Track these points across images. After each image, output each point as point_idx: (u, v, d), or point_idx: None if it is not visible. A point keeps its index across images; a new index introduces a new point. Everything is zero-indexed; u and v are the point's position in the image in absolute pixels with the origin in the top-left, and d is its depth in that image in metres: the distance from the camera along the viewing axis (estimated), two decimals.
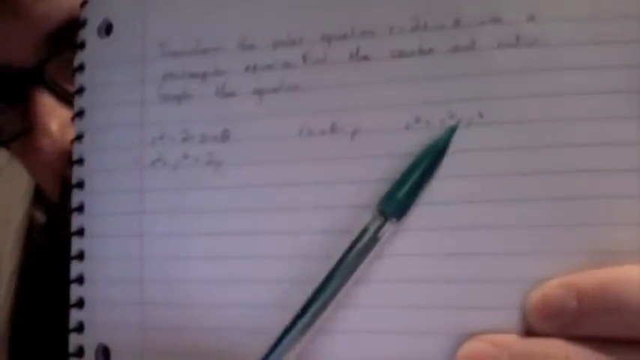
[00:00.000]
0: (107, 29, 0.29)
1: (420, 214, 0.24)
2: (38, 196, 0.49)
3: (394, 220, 0.24)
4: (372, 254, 0.24)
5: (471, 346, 0.23)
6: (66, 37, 0.35)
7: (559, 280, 0.23)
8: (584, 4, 0.23)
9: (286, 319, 0.25)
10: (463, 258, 0.24)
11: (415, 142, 0.25)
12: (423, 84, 0.25)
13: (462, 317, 0.24)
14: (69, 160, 0.32)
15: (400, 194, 0.24)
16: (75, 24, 0.32)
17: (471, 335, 0.23)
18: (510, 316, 0.23)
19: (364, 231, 0.24)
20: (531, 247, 0.23)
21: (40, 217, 0.50)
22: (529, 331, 0.23)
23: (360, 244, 0.24)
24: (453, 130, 0.24)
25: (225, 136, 0.27)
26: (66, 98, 0.36)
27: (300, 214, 0.26)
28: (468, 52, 0.24)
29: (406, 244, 0.24)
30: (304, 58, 0.26)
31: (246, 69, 0.27)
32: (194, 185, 0.27)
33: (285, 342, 0.24)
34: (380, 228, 0.24)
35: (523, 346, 0.23)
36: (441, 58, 0.25)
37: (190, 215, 0.27)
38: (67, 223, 0.31)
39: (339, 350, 0.25)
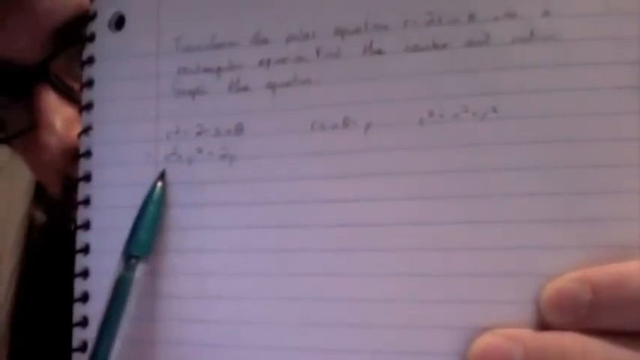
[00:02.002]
0: (118, 22, 0.29)
1: (429, 208, 0.24)
2: (39, 195, 0.49)
3: (143, 259, 0.27)
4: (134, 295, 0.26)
5: (484, 341, 0.23)
6: (71, 34, 0.35)
7: (573, 274, 0.23)
8: (599, 0, 0.24)
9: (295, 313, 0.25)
10: (476, 252, 0.24)
11: (429, 135, 0.25)
12: (437, 78, 0.25)
13: (476, 312, 0.24)
14: (73, 158, 0.32)
15: (143, 236, 0.27)
16: (81, 20, 0.32)
17: (484, 330, 0.23)
18: (524, 311, 0.23)
19: (122, 279, 0.26)
20: (544, 242, 0.23)
21: (40, 216, 0.49)
22: (542, 326, 0.23)
23: (122, 291, 0.26)
24: (164, 175, 0.27)
25: (238, 130, 0.27)
26: (70, 95, 0.36)
27: (312, 208, 0.25)
28: (483, 47, 0.24)
29: (419, 237, 0.24)
30: (317, 52, 0.26)
31: (260, 63, 0.27)
32: (209, 179, 0.27)
33: None
34: (134, 270, 0.26)
35: (538, 340, 0.23)
36: (456, 53, 0.25)
37: (204, 209, 0.27)
38: (69, 220, 0.30)
39: (349, 345, 0.25)
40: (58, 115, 0.35)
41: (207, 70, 0.27)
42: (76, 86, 0.36)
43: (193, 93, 0.27)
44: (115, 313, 0.26)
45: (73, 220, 0.30)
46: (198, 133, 0.27)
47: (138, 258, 0.27)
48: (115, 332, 0.26)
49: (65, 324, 0.29)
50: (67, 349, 0.29)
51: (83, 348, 0.29)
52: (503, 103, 0.24)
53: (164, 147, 0.28)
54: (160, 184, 0.27)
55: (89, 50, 0.30)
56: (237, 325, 0.26)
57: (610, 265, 0.23)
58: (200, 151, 0.27)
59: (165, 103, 0.28)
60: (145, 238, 0.27)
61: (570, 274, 0.23)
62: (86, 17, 0.30)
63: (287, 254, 0.25)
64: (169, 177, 0.27)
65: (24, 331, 0.47)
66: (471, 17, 0.25)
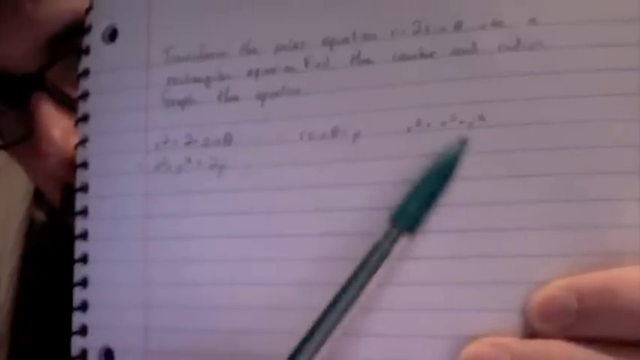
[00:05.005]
0: (112, 35, 0.29)
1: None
2: (38, 196, 0.49)
3: (407, 233, 0.24)
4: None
5: (472, 349, 0.23)
6: (67, 43, 0.35)
7: (560, 282, 0.23)
8: (585, 7, 0.24)
9: (287, 322, 0.25)
10: (465, 261, 0.24)
11: (417, 144, 0.25)
12: (425, 87, 0.25)
13: (464, 320, 0.24)
14: (71, 167, 0.32)
15: (414, 208, 0.24)
16: (76, 29, 0.32)
17: (471, 338, 0.23)
18: (512, 319, 0.23)
19: (378, 244, 0.24)
20: (534, 250, 0.23)
21: (41, 216, 0.50)
22: (531, 335, 0.23)
23: (375, 257, 0.24)
24: (464, 145, 0.24)
25: (227, 140, 0.27)
26: (67, 104, 0.36)
27: (302, 218, 0.26)
28: (469, 55, 0.24)
29: (406, 247, 0.24)
30: (306, 62, 0.26)
31: (249, 73, 0.27)
32: (197, 189, 0.27)
33: (306, 349, 0.24)
34: (394, 241, 0.24)
35: (525, 348, 0.23)
36: (443, 61, 0.25)
37: (194, 219, 0.27)
38: (68, 227, 0.31)
39: (341, 352, 0.25)
40: (56, 125, 0.35)
41: (196, 80, 0.27)
42: (73, 94, 0.36)
43: (183, 103, 0.28)
44: (358, 278, 0.24)
45: (72, 227, 0.30)
46: (187, 143, 0.27)
47: (401, 231, 0.24)
48: (355, 297, 0.24)
49: (65, 324, 0.30)
50: (67, 350, 0.29)
51: (83, 356, 0.29)
52: (490, 112, 0.24)
53: (153, 157, 0.28)
54: (454, 152, 0.24)
55: (84, 63, 0.30)
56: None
57: (598, 273, 0.22)
58: (189, 161, 0.27)
59: (155, 113, 0.28)
60: (412, 210, 0.24)
61: (557, 282, 0.23)
62: (82, 26, 0.31)
63: (276, 264, 0.26)
64: (158, 188, 0.28)
65: (24, 332, 0.47)
66: (458, 26, 0.25)
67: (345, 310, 0.24)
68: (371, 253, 0.24)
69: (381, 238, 0.24)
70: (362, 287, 0.24)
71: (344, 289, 0.24)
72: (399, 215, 0.24)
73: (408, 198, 0.24)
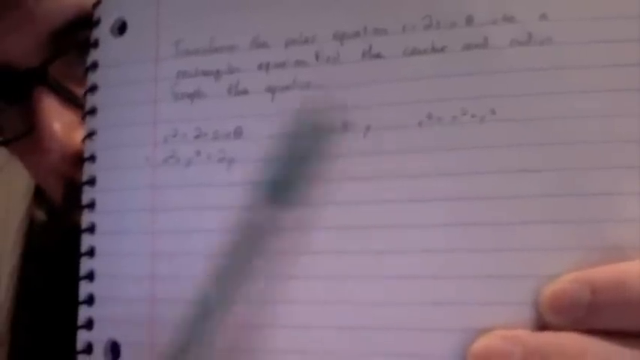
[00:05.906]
0: (121, 28, 0.29)
1: (429, 210, 0.24)
2: (38, 195, 0.49)
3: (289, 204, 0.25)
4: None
5: (483, 342, 0.23)
6: (70, 37, 0.35)
7: (572, 275, 0.23)
8: (596, 3, 0.24)
9: (292, 318, 0.25)
10: (476, 254, 0.24)
11: (428, 138, 0.25)
12: (436, 81, 0.25)
13: (474, 313, 0.24)
14: (73, 163, 0.32)
15: (290, 181, 0.25)
16: (79, 24, 0.32)
17: (482, 332, 0.23)
18: (523, 313, 0.23)
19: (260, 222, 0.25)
20: (544, 244, 0.23)
21: (41, 215, 0.49)
22: (542, 328, 0.23)
23: (255, 231, 0.25)
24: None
25: (237, 134, 0.27)
26: (70, 99, 0.36)
27: (311, 211, 0.26)
28: (481, 50, 0.24)
29: (418, 239, 0.24)
30: (317, 56, 0.26)
31: (259, 67, 0.27)
32: (206, 182, 0.27)
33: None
34: (274, 215, 0.25)
35: (537, 341, 0.23)
36: (454, 56, 0.25)
37: (202, 212, 0.27)
38: (70, 224, 0.31)
39: (345, 347, 0.25)
40: (59, 120, 0.35)
41: (206, 74, 0.27)
42: (77, 90, 0.35)
43: (192, 96, 0.28)
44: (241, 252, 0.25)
45: (75, 223, 0.30)
46: (197, 137, 0.27)
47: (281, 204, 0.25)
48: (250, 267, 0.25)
49: (65, 323, 0.30)
50: (68, 350, 0.29)
51: (88, 350, 0.29)
52: (501, 106, 0.24)
53: (162, 150, 0.28)
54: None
55: (93, 56, 0.30)
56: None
57: (609, 266, 0.23)
58: (198, 154, 0.27)
59: (164, 106, 0.28)
60: (289, 183, 0.25)
61: (569, 275, 0.23)
62: (85, 21, 0.30)
63: (284, 257, 0.26)
64: (166, 181, 0.28)
65: (24, 331, 0.47)
66: (469, 20, 0.25)
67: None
68: (249, 228, 0.25)
69: (259, 212, 0.25)
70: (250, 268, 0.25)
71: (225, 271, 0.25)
72: (275, 189, 0.25)
73: (283, 172, 0.25)
